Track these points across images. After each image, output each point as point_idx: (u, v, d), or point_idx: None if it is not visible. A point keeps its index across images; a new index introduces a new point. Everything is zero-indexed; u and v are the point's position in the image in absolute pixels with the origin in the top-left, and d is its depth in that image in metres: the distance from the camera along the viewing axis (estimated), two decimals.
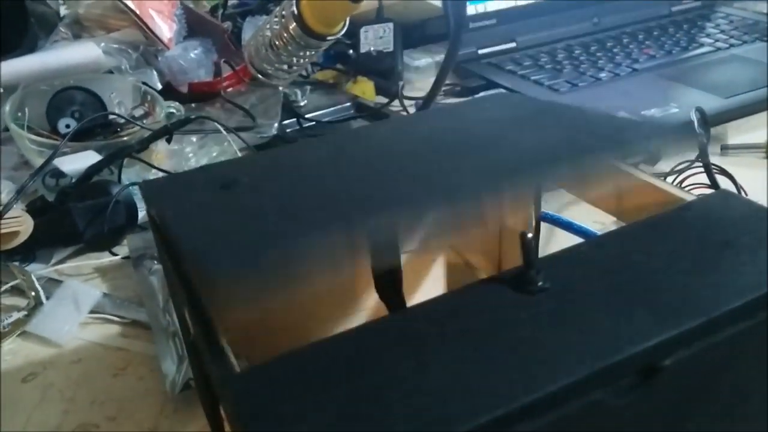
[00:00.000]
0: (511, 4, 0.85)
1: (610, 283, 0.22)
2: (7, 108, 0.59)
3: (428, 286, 0.40)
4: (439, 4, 0.84)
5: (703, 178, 0.46)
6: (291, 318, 0.31)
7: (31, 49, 0.65)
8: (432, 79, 0.59)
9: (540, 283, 0.22)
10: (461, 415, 0.17)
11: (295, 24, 0.55)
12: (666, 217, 0.25)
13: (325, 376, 0.19)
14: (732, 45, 0.80)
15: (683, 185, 0.47)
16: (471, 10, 0.81)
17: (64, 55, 0.64)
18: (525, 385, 0.18)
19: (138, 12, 0.67)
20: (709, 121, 0.52)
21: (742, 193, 0.46)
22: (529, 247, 0.21)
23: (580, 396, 0.19)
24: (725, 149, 0.60)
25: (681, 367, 0.20)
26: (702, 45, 0.80)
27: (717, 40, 0.81)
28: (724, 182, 0.47)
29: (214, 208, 0.26)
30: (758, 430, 0.25)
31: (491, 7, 0.84)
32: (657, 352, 0.19)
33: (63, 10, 0.77)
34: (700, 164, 0.46)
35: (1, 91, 0.62)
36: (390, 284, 0.29)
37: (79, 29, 0.69)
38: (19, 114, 0.60)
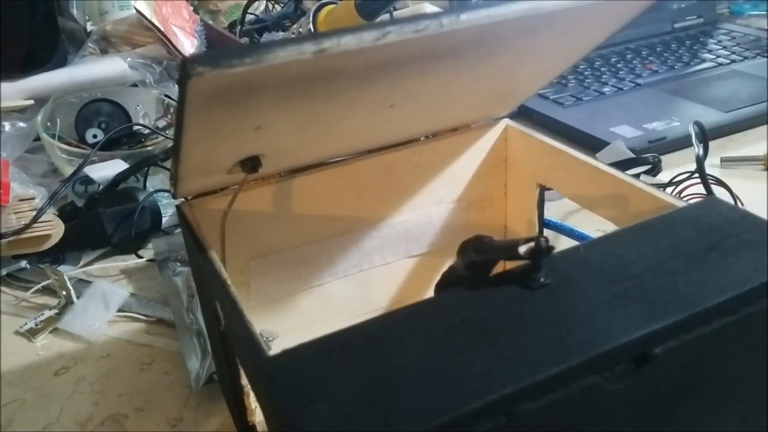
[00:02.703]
0: None
1: (606, 280, 0.24)
2: (39, 118, 0.62)
3: None
4: None
5: (701, 189, 0.48)
6: None
7: (62, 63, 0.68)
8: None
9: (542, 280, 0.24)
10: (471, 394, 0.20)
11: None
12: (658, 221, 0.27)
13: (348, 359, 0.21)
14: (733, 60, 0.82)
15: (682, 195, 0.49)
16: None
17: (92, 70, 0.68)
18: (528, 368, 0.20)
19: (162, 29, 0.70)
20: (709, 134, 0.55)
21: (738, 203, 0.48)
22: (541, 249, 0.24)
23: (577, 379, 0.21)
24: (725, 161, 0.62)
25: (670, 356, 0.22)
26: (704, 60, 0.83)
27: (718, 56, 0.84)
28: (721, 192, 0.49)
29: None
30: (744, 419, 0.27)
31: None
32: (648, 342, 0.22)
33: (89, 26, 0.80)
34: (698, 175, 0.48)
35: (33, 102, 0.65)
36: None
37: (106, 45, 0.72)
38: (49, 124, 0.63)
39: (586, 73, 0.81)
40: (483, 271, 0.25)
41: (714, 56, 0.84)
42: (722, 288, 0.23)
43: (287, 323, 0.39)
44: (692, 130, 0.48)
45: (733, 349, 0.24)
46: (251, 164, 0.31)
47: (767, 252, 0.24)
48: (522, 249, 0.23)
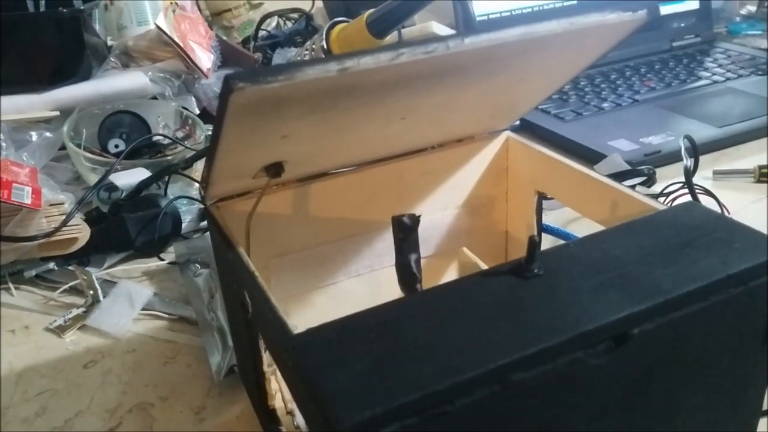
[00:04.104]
0: None
1: (591, 272, 0.27)
2: (64, 129, 0.66)
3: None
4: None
5: (690, 199, 0.51)
6: None
7: (86, 77, 0.72)
8: None
9: (535, 271, 0.27)
10: (470, 364, 0.22)
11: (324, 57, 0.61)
12: (640, 222, 0.30)
13: (363, 336, 0.24)
14: (728, 78, 0.86)
15: (673, 205, 0.52)
16: None
17: (115, 83, 0.72)
18: (521, 343, 0.23)
19: (181, 44, 0.74)
20: (703, 148, 0.58)
21: (724, 211, 0.51)
22: (534, 245, 0.27)
23: (563, 354, 0.24)
24: (717, 174, 0.65)
25: (646, 336, 0.25)
26: (700, 78, 0.86)
27: (714, 74, 0.87)
28: (709, 202, 0.52)
29: None
30: (714, 397, 0.30)
31: None
32: (626, 323, 0.25)
33: (108, 41, 0.85)
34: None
35: (59, 113, 0.69)
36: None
37: (128, 59, 0.76)
38: (74, 134, 0.67)
39: (587, 89, 0.85)
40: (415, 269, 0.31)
41: (710, 74, 0.87)
42: (693, 278, 0.26)
43: (304, 318, 0.42)
44: (682, 144, 0.52)
45: (703, 332, 0.27)
46: (275, 170, 0.34)
47: (734, 248, 0.27)
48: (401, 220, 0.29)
